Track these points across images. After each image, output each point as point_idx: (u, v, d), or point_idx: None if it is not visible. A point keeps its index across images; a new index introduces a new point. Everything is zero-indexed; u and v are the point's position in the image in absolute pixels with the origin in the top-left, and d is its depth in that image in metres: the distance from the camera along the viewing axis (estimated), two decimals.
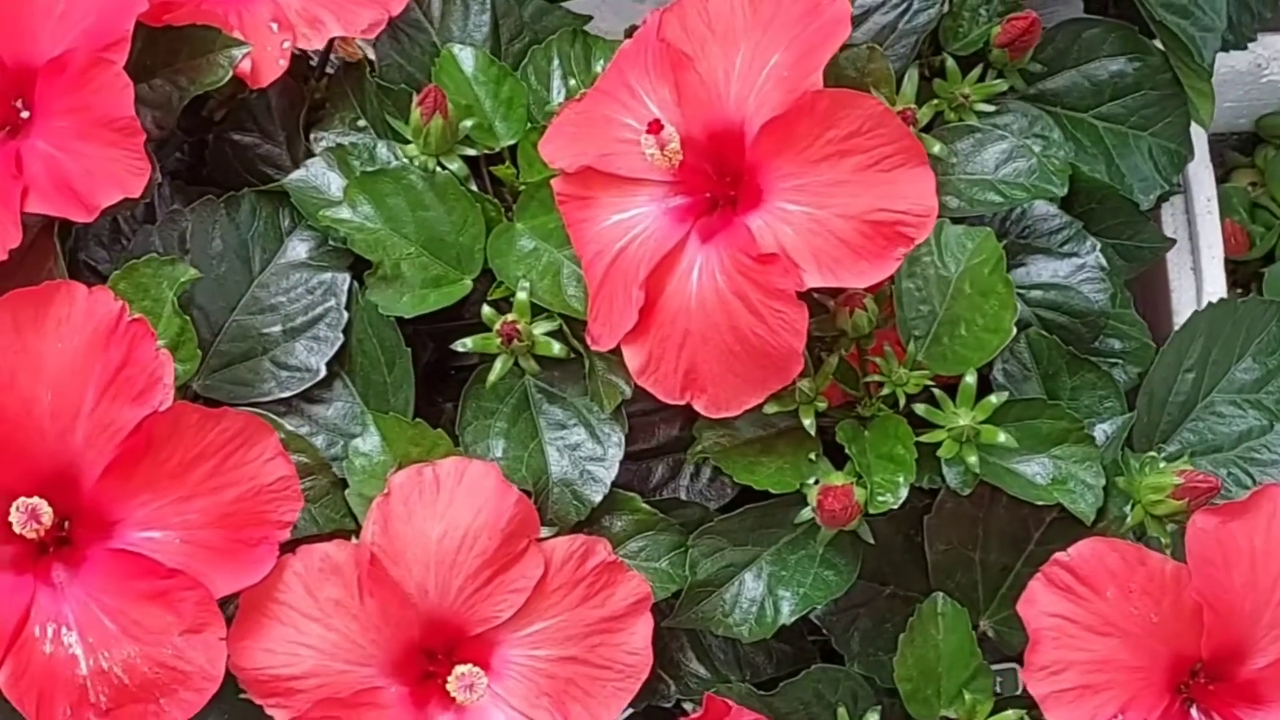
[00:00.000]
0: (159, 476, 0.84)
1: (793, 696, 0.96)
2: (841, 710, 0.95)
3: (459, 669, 0.85)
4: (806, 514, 0.93)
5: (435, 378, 1.07)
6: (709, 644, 1.01)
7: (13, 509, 0.82)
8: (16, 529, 0.82)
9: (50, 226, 0.96)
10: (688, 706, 0.98)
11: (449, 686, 0.85)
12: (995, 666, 1.00)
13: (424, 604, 0.87)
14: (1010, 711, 0.94)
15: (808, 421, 0.92)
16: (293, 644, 0.86)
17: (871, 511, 0.90)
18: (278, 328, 0.99)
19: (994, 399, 0.92)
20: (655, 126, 0.86)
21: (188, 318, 0.91)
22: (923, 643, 0.95)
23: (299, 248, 1.01)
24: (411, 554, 0.86)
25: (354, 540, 0.91)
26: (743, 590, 0.95)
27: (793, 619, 0.94)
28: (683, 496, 1.01)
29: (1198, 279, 1.33)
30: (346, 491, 0.92)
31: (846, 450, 0.92)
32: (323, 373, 0.98)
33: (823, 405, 0.92)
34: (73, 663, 0.83)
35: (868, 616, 0.99)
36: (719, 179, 0.91)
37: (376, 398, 0.98)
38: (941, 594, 0.95)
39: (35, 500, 0.82)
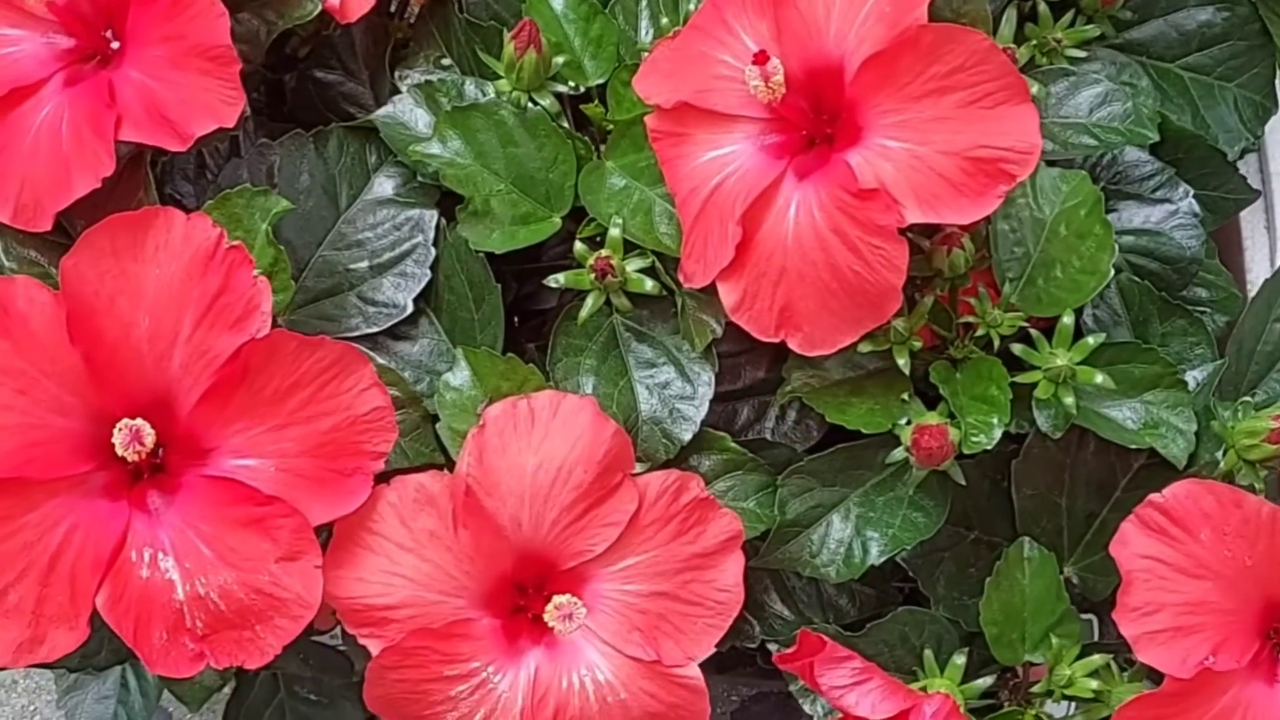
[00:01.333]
0: (255, 404, 0.84)
1: (878, 639, 0.96)
2: (927, 652, 0.95)
3: (558, 599, 0.85)
4: (898, 454, 0.92)
5: (513, 321, 1.06)
6: (793, 586, 1.01)
7: (116, 430, 0.82)
8: (119, 450, 0.82)
9: (140, 157, 0.95)
10: (772, 648, 0.98)
11: (547, 616, 0.85)
12: None
13: (517, 537, 0.87)
14: (1097, 656, 0.93)
15: (902, 361, 0.91)
16: (387, 574, 0.86)
17: (965, 452, 0.90)
18: (364, 263, 0.99)
19: (1091, 340, 0.91)
20: (761, 57, 0.86)
21: (282, 248, 0.90)
22: (1008, 587, 0.95)
23: (385, 184, 1.00)
24: (506, 486, 0.86)
25: (435, 470, 0.91)
26: (830, 531, 0.95)
27: (881, 560, 0.94)
28: (769, 438, 1.01)
29: (1271, 237, 1.32)
30: (437, 425, 0.92)
31: (940, 391, 0.92)
32: (409, 309, 0.98)
33: (918, 345, 0.91)
34: (169, 588, 0.83)
35: (952, 561, 0.99)
36: (815, 116, 0.90)
37: (463, 334, 0.98)
38: (1028, 539, 0.95)
39: (138, 421, 0.82)
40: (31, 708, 1.41)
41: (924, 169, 0.85)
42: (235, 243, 0.84)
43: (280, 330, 0.84)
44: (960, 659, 0.94)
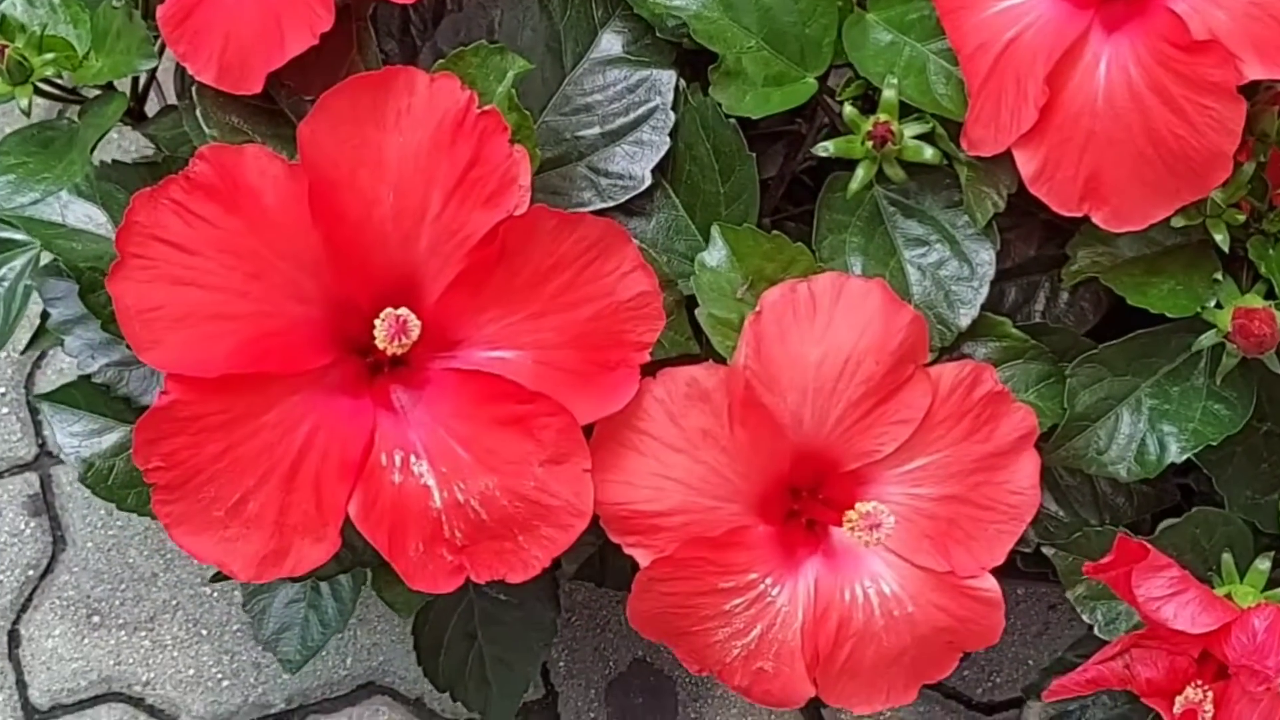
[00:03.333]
0: (511, 290, 0.75)
1: (1167, 542, 0.87)
2: (1226, 557, 0.86)
3: (862, 506, 0.76)
4: (1207, 340, 0.83)
5: None
6: (1066, 485, 0.92)
7: (379, 321, 0.73)
8: (380, 343, 0.73)
9: (348, 9, 0.85)
10: (1046, 551, 0.89)
11: (848, 525, 0.76)
12: None
13: (797, 435, 0.78)
14: None
15: (1219, 237, 0.82)
16: (656, 477, 0.77)
17: None
18: (595, 129, 0.89)
19: None
20: None
21: (527, 113, 0.81)
22: None
23: (613, 41, 0.90)
24: (787, 379, 0.77)
25: (710, 363, 0.82)
26: (1119, 426, 0.86)
27: (1183, 457, 0.85)
28: (1041, 322, 0.91)
29: None
30: (696, 311, 0.82)
31: (1259, 269, 0.82)
32: (648, 180, 0.88)
33: (1240, 218, 0.82)
34: (425, 494, 0.75)
35: (1245, 455, 0.90)
36: None
37: (705, 209, 0.88)
38: None
39: (403, 311, 0.73)
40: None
41: (1265, 17, 0.75)
42: (488, 107, 0.75)
43: (539, 206, 0.75)
44: (1264, 564, 0.86)
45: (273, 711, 1.32)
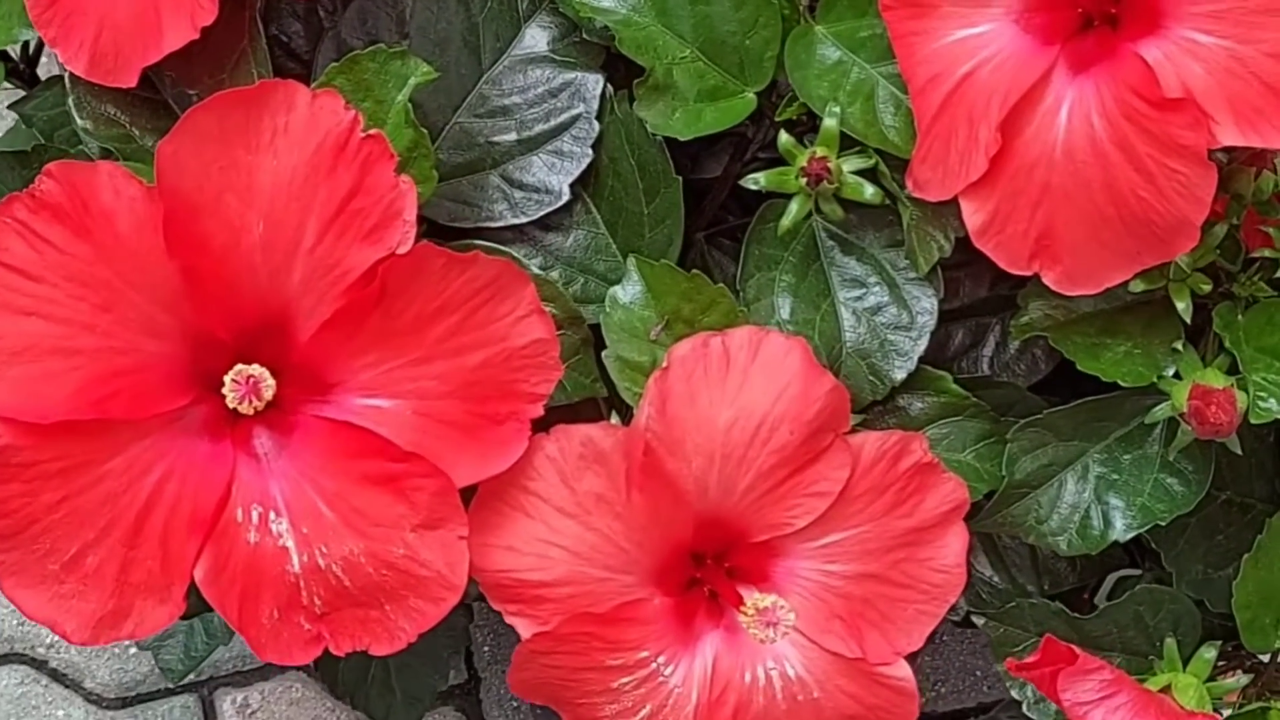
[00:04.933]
0: (391, 333, 0.68)
1: (1108, 619, 0.81)
2: (1169, 641, 0.80)
3: (758, 600, 0.70)
4: (1162, 412, 0.76)
5: None
6: (1004, 545, 0.85)
7: (228, 378, 0.66)
8: (230, 403, 0.66)
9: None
10: (977, 620, 0.82)
11: (744, 620, 0.70)
12: None
13: (701, 503, 0.71)
14: None
15: (1181, 305, 0.74)
16: (543, 543, 0.70)
17: (1252, 421, 0.73)
18: (511, 135, 0.81)
19: None
20: None
21: (424, 130, 0.73)
22: (1268, 564, 0.79)
23: (538, 37, 0.82)
24: (692, 443, 0.70)
25: (614, 419, 0.75)
26: (1063, 494, 0.79)
27: (1129, 536, 0.78)
28: (986, 369, 0.84)
29: None
30: (604, 353, 0.75)
31: (1222, 338, 0.74)
32: (566, 196, 0.80)
33: (1206, 287, 0.74)
34: (282, 556, 0.68)
35: (1198, 526, 0.83)
36: None
37: (628, 229, 0.81)
38: None
39: (255, 369, 0.66)
40: None
41: (1245, 75, 0.67)
42: (373, 131, 0.67)
43: (426, 244, 0.68)
44: (1210, 652, 0.79)
45: (182, 683, 1.26)
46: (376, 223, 0.67)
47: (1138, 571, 0.91)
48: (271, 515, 0.68)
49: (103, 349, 0.67)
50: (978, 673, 1.29)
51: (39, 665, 1.27)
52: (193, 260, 0.66)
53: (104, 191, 0.66)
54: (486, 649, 1.28)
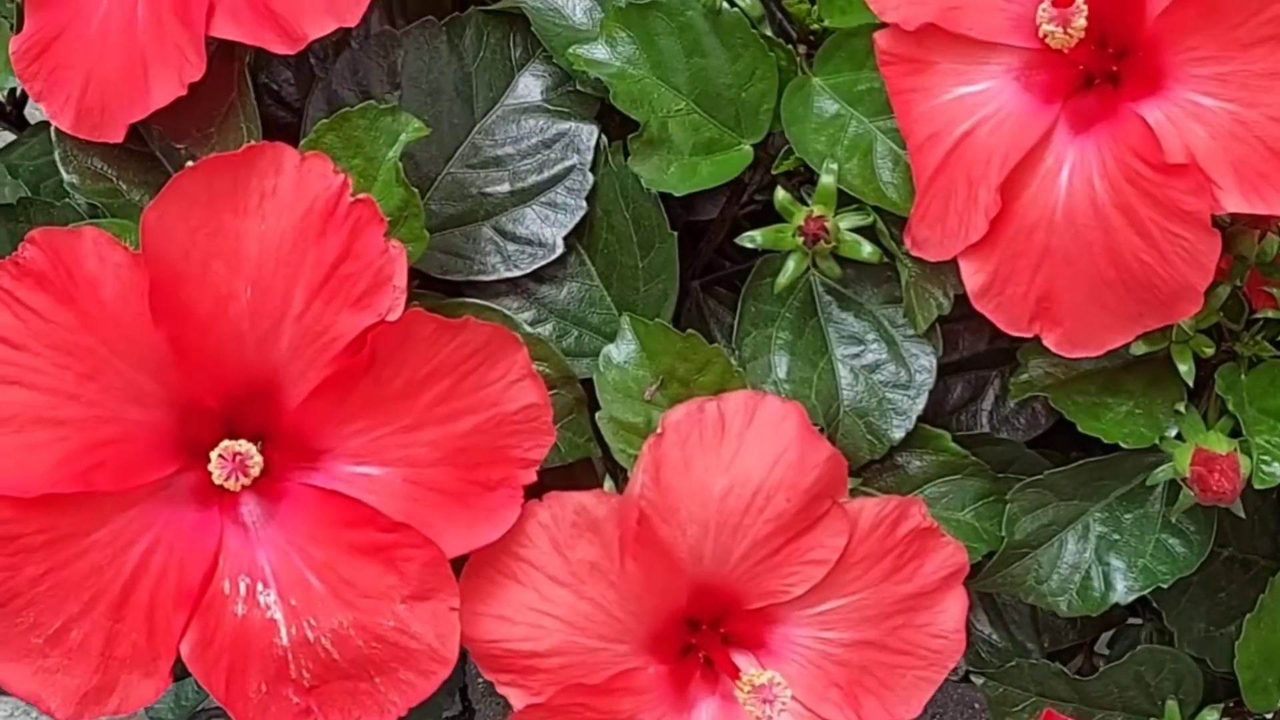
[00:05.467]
0: (381, 399, 0.67)
1: (1109, 680, 0.80)
2: (1170, 703, 0.79)
3: (755, 676, 0.69)
4: (1164, 474, 0.75)
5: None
6: (1003, 602, 0.84)
7: (214, 455, 0.65)
8: (216, 479, 0.65)
9: (231, 48, 0.76)
10: (976, 680, 0.81)
11: (740, 696, 0.69)
12: None
13: (696, 571, 0.70)
14: None
15: (1184, 368, 0.73)
16: (536, 612, 0.69)
17: (1256, 486, 0.72)
18: (504, 186, 0.80)
19: None
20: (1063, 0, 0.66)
21: (414, 190, 0.72)
22: (1270, 624, 0.78)
23: (531, 86, 0.81)
24: (687, 511, 0.69)
25: (607, 483, 0.74)
26: (1063, 554, 0.78)
27: (1130, 599, 0.77)
28: (985, 422, 0.83)
29: None
30: (598, 415, 0.74)
31: (1224, 400, 0.73)
32: (559, 249, 0.79)
33: (1208, 351, 0.73)
34: (270, 629, 0.67)
35: (1200, 583, 0.82)
36: (1099, 48, 0.71)
37: (622, 283, 0.80)
38: None
39: (242, 446, 0.65)
40: None
41: (1250, 139, 0.66)
42: (363, 195, 0.66)
43: (416, 311, 0.66)
44: (1213, 715, 0.78)
45: None
46: (366, 289, 0.66)
47: (1138, 621, 0.90)
48: (259, 586, 0.67)
49: (88, 418, 0.65)
50: (975, 705, 1.28)
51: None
52: (179, 327, 0.65)
53: (88, 258, 0.65)
54: (481, 682, 1.27)
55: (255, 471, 0.65)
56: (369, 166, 0.73)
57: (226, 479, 0.65)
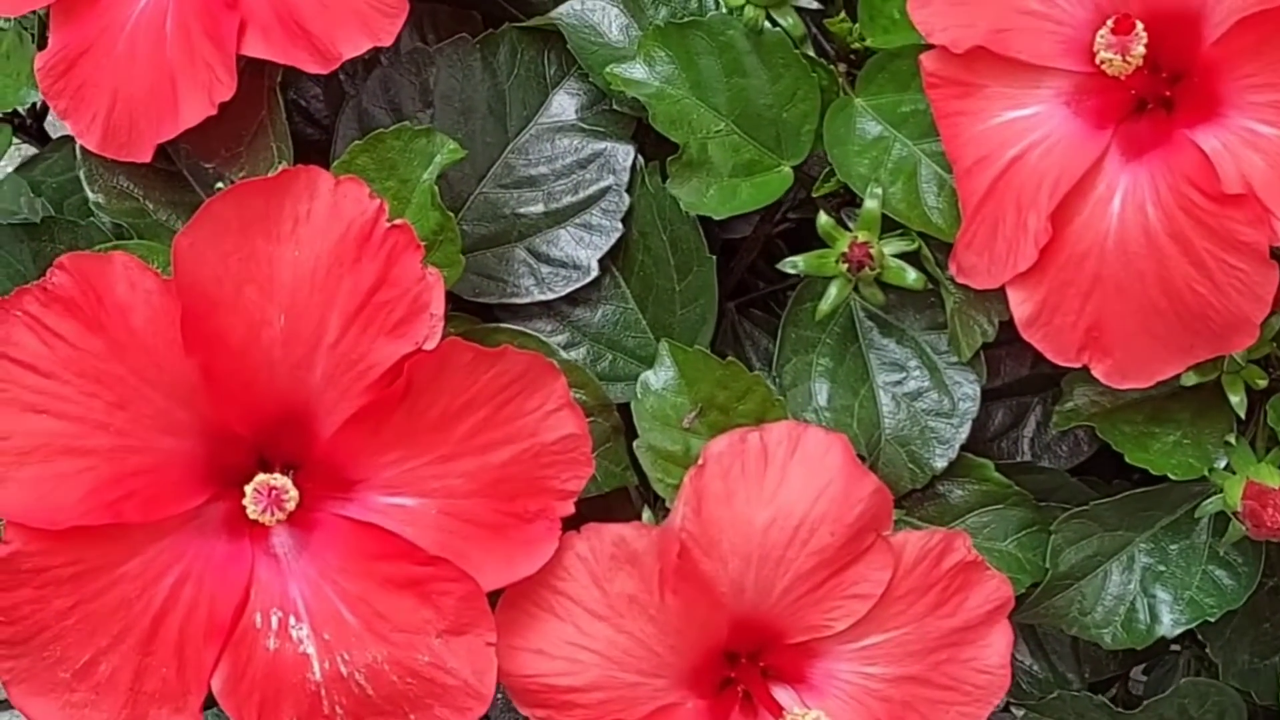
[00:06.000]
0: (417, 430, 0.65)
1: (1154, 713, 0.78)
2: None
3: (799, 716, 0.67)
4: (1213, 506, 0.73)
5: None
6: (1044, 633, 0.83)
7: (249, 489, 0.63)
8: (251, 513, 0.63)
9: (261, 65, 0.74)
10: (1016, 712, 0.80)
11: None
12: None
13: (737, 604, 0.69)
14: None
15: (1235, 399, 0.72)
16: (573, 646, 0.68)
17: None
18: (538, 207, 0.79)
19: None
20: (1125, 24, 0.64)
21: (450, 214, 0.70)
22: None
23: (566, 104, 0.79)
24: (729, 544, 0.67)
25: (645, 513, 0.72)
26: (1107, 585, 0.77)
27: (1176, 632, 0.75)
28: (1026, 449, 0.82)
29: None
30: (635, 443, 0.72)
31: (1276, 433, 0.72)
32: (594, 272, 0.78)
33: (1262, 382, 0.71)
34: (303, 664, 0.65)
35: (1244, 613, 0.80)
36: (1152, 73, 0.69)
37: (658, 306, 0.78)
38: None
39: (279, 480, 0.63)
40: None
41: None
42: (400, 221, 0.64)
43: (453, 340, 0.65)
44: None
45: None
46: (402, 316, 0.64)
47: (1177, 648, 0.89)
48: (291, 620, 0.65)
49: (117, 448, 0.64)
50: None
51: None
52: (211, 355, 0.64)
53: (118, 284, 0.63)
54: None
55: (291, 506, 0.64)
56: (403, 189, 0.71)
57: (262, 513, 0.63)
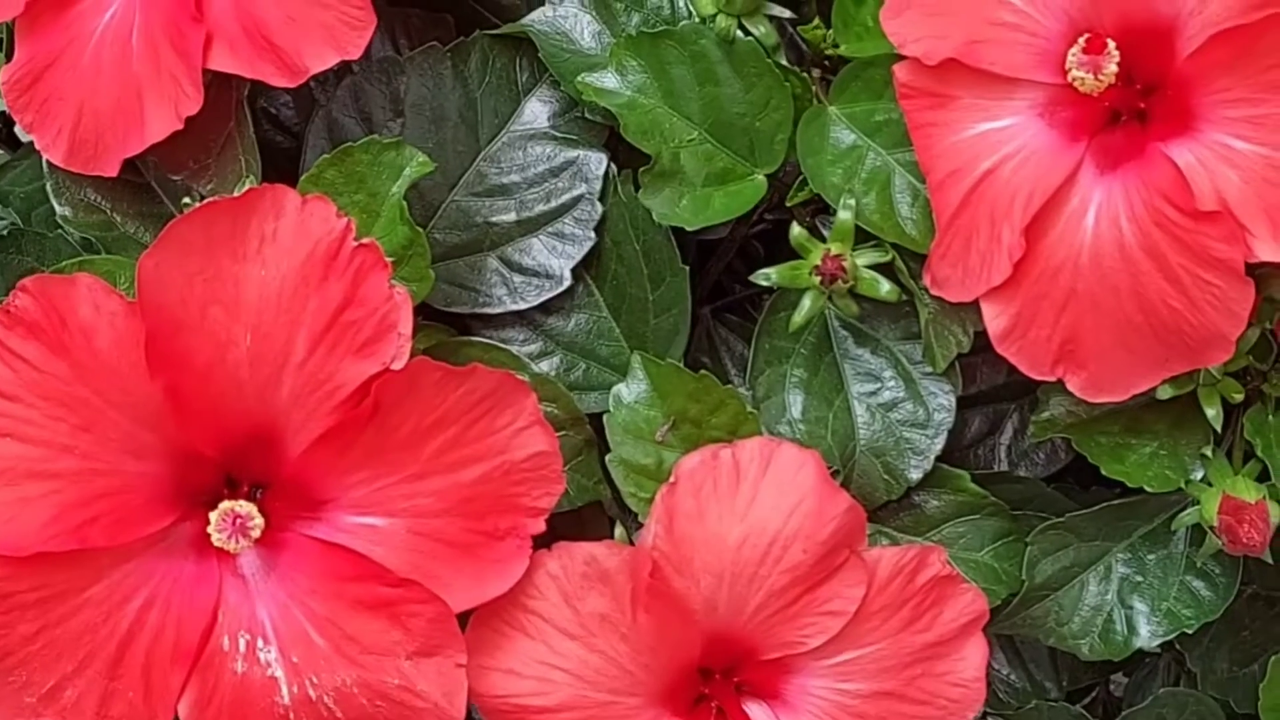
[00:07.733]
0: (385, 448, 0.65)
1: None
2: None
3: None
4: (1189, 518, 0.73)
5: None
6: (1021, 641, 0.82)
7: (214, 516, 0.63)
8: (216, 541, 0.63)
9: (228, 77, 0.74)
10: None
11: None
12: None
13: (709, 622, 0.68)
14: None
15: (1211, 413, 0.71)
16: (544, 666, 0.67)
17: None
18: (510, 216, 0.78)
19: None
20: (1096, 44, 0.63)
21: (419, 230, 0.69)
22: None
23: (538, 111, 0.79)
24: (701, 562, 0.67)
25: (618, 533, 0.72)
26: (1084, 595, 0.76)
27: (1154, 644, 0.75)
28: (1003, 456, 0.81)
29: None
30: (608, 457, 0.72)
31: (1256, 447, 0.71)
32: (567, 281, 0.77)
33: (1238, 396, 0.71)
34: (271, 687, 0.65)
35: (1223, 621, 0.80)
36: (1125, 86, 0.68)
37: (631, 315, 0.78)
38: None
39: (243, 507, 0.63)
40: None
41: None
42: (367, 240, 0.63)
43: (421, 360, 0.64)
44: None
45: None
46: (370, 336, 0.64)
47: (1158, 651, 0.88)
48: (259, 643, 0.65)
49: (82, 471, 0.63)
50: None
51: None
52: (176, 376, 0.63)
53: (82, 306, 0.63)
54: None
55: (256, 533, 0.63)
56: (372, 203, 0.70)
57: (227, 540, 0.63)
